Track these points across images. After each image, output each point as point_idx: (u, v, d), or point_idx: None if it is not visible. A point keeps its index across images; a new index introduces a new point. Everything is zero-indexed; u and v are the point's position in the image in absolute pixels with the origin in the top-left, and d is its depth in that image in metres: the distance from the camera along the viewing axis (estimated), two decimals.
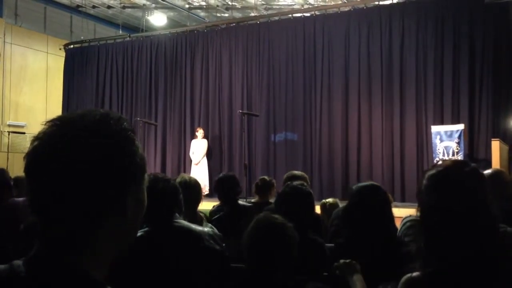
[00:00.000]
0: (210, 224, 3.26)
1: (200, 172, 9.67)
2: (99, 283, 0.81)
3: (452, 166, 1.34)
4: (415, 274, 1.31)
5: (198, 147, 9.93)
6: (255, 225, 1.99)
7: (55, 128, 0.83)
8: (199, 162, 9.88)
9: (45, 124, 0.84)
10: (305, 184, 2.98)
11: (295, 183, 2.99)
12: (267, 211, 2.45)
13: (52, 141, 0.81)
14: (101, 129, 0.83)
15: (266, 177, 5.04)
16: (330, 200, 4.85)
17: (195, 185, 3.19)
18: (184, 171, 9.80)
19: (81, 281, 0.79)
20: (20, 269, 0.80)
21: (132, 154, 0.85)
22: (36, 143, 0.82)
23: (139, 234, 2.25)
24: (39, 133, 0.83)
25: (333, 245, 2.82)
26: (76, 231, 0.81)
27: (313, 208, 2.97)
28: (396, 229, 3.79)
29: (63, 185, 0.79)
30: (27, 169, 0.82)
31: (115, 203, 0.83)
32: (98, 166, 0.80)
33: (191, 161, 10.06)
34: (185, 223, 2.34)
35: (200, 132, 9.93)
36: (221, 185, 4.31)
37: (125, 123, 0.86)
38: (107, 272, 0.86)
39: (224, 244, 2.53)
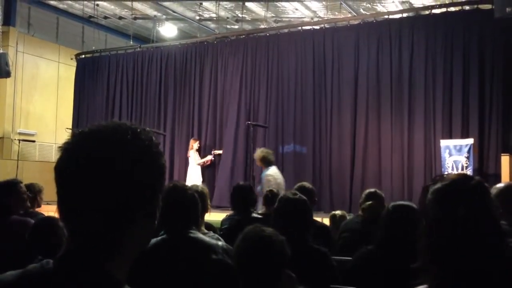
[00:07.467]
0: (216, 235, 3.27)
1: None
2: (119, 283, 0.86)
3: (457, 179, 1.33)
4: (421, 287, 1.30)
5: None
6: (242, 238, 1.95)
7: (85, 140, 0.89)
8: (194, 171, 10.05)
9: (73, 134, 0.91)
10: (298, 193, 2.99)
11: (288, 193, 3.01)
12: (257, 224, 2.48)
13: (85, 156, 0.87)
14: (136, 143, 0.90)
15: (274, 188, 5.04)
16: (339, 212, 4.87)
17: (205, 194, 3.26)
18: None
19: (102, 281, 0.84)
20: (49, 266, 0.87)
21: (162, 165, 0.94)
22: (65, 153, 0.88)
23: (155, 240, 2.30)
24: (67, 143, 0.89)
25: (341, 258, 2.82)
26: (110, 234, 0.86)
27: (309, 215, 2.95)
28: None
29: (99, 193, 0.85)
30: (60, 177, 0.88)
31: (148, 206, 0.91)
32: (136, 176, 0.88)
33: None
34: (200, 235, 2.41)
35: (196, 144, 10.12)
36: (235, 195, 4.29)
37: (154, 138, 0.95)
38: (127, 273, 0.91)
39: None
